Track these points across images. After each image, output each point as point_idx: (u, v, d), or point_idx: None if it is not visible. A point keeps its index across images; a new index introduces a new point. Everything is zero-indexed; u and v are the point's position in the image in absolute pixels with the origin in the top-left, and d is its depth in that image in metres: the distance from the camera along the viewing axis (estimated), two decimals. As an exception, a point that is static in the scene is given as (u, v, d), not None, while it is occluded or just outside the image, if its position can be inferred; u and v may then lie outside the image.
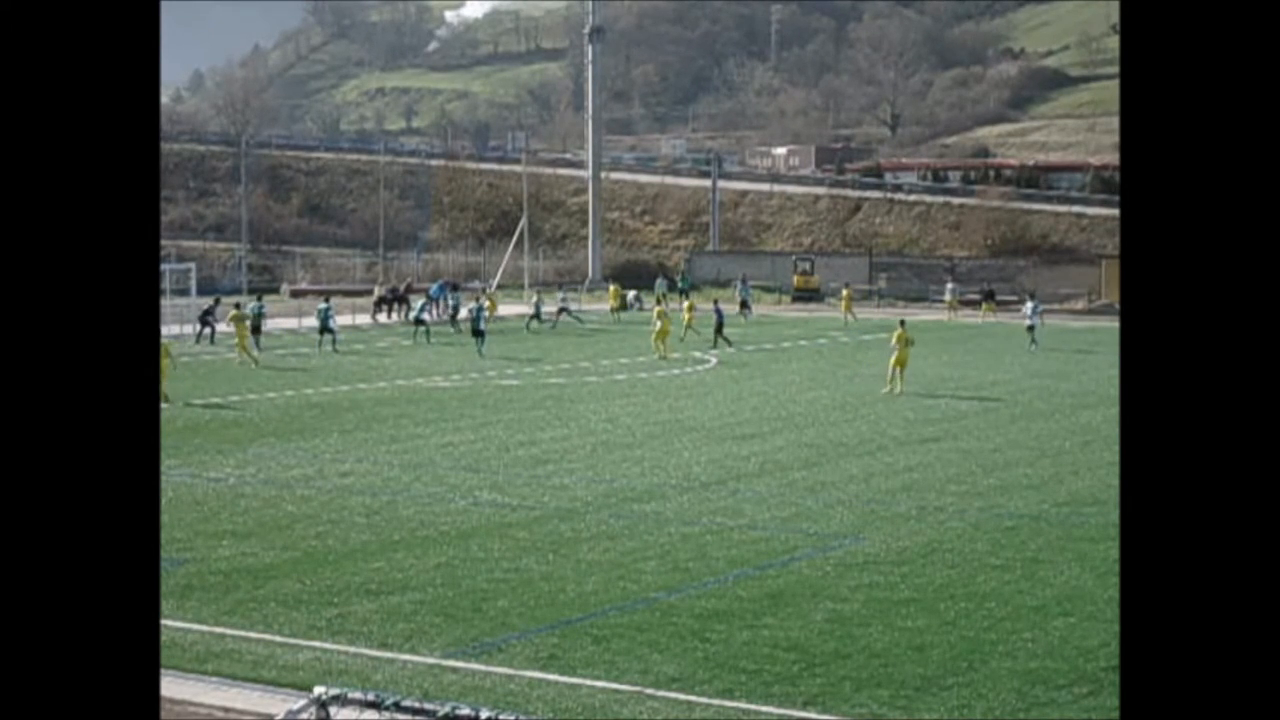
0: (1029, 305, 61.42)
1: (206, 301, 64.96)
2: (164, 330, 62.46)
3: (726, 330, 60.14)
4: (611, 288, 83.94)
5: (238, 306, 57.31)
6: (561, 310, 73.17)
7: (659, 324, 55.77)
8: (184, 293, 68.63)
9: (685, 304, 65.93)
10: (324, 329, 58.84)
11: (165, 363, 41.89)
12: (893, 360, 43.22)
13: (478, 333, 57.18)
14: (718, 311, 60.60)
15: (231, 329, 54.83)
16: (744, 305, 79.38)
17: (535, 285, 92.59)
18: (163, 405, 38.91)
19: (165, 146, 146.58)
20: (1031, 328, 59.28)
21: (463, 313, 67.98)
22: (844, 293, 78.75)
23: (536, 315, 70.06)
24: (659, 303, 65.76)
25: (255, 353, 53.62)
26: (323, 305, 60.55)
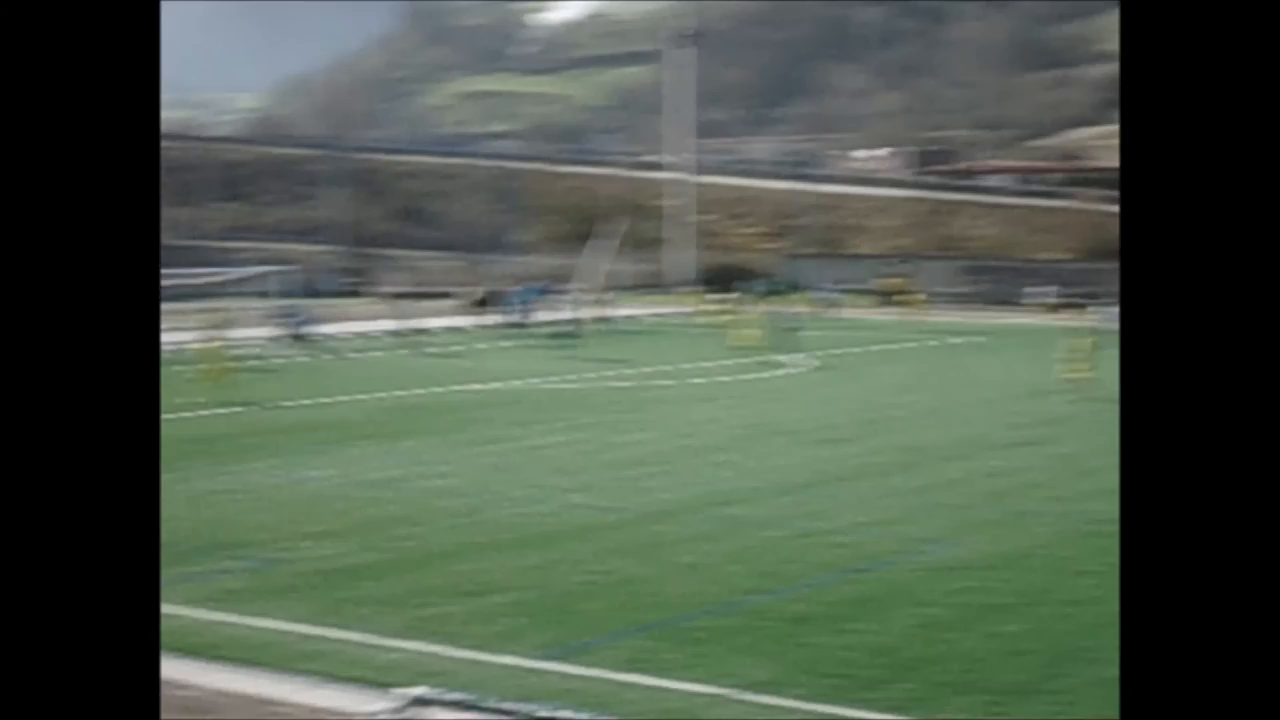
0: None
1: (298, 303, 65.63)
2: (259, 332, 63.37)
3: (803, 333, 60.04)
4: (695, 291, 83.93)
5: (214, 311, 57.96)
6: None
7: (745, 327, 55.82)
8: (283, 295, 69.34)
9: (758, 308, 65.83)
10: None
11: (220, 363, 42.33)
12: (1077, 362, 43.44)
13: (565, 335, 57.40)
14: (790, 315, 60.58)
15: (321, 331, 55.26)
16: (828, 307, 79.27)
17: (616, 289, 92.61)
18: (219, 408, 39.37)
19: (261, 150, 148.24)
20: None
21: (550, 315, 68.34)
22: (913, 296, 78.87)
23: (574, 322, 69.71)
24: (743, 305, 65.90)
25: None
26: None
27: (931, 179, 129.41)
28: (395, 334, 66.73)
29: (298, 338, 61.45)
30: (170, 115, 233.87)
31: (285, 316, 62.82)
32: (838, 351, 59.59)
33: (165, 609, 18.64)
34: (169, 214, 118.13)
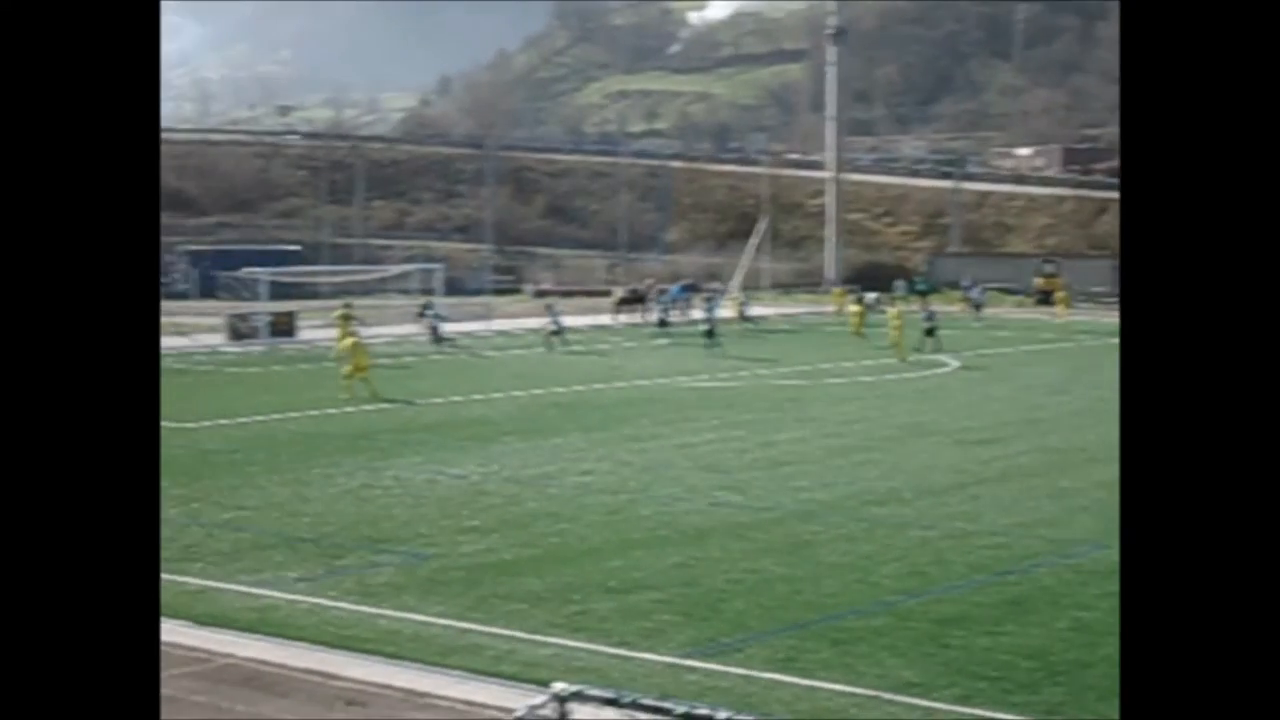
0: None
1: (444, 300, 66.15)
2: (405, 329, 64.00)
3: (951, 333, 59.50)
4: (836, 290, 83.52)
5: (348, 306, 58.37)
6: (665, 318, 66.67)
7: (891, 326, 55.45)
8: (430, 292, 69.99)
9: (904, 307, 64.98)
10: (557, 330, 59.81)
11: (364, 360, 42.69)
12: None
13: (710, 334, 57.47)
14: (929, 314, 60.02)
15: (467, 329, 55.64)
16: (977, 308, 78.53)
17: (765, 287, 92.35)
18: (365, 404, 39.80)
19: (412, 149, 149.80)
20: None
21: (695, 313, 68.34)
22: (1059, 295, 77.97)
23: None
24: (890, 304, 65.49)
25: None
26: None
27: (1082, 177, 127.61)
28: (541, 332, 67.06)
29: (437, 336, 61.72)
30: (322, 114, 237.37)
31: (428, 315, 63.18)
32: (985, 351, 59.01)
33: (317, 602, 18.95)
34: (321, 212, 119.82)
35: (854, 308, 66.63)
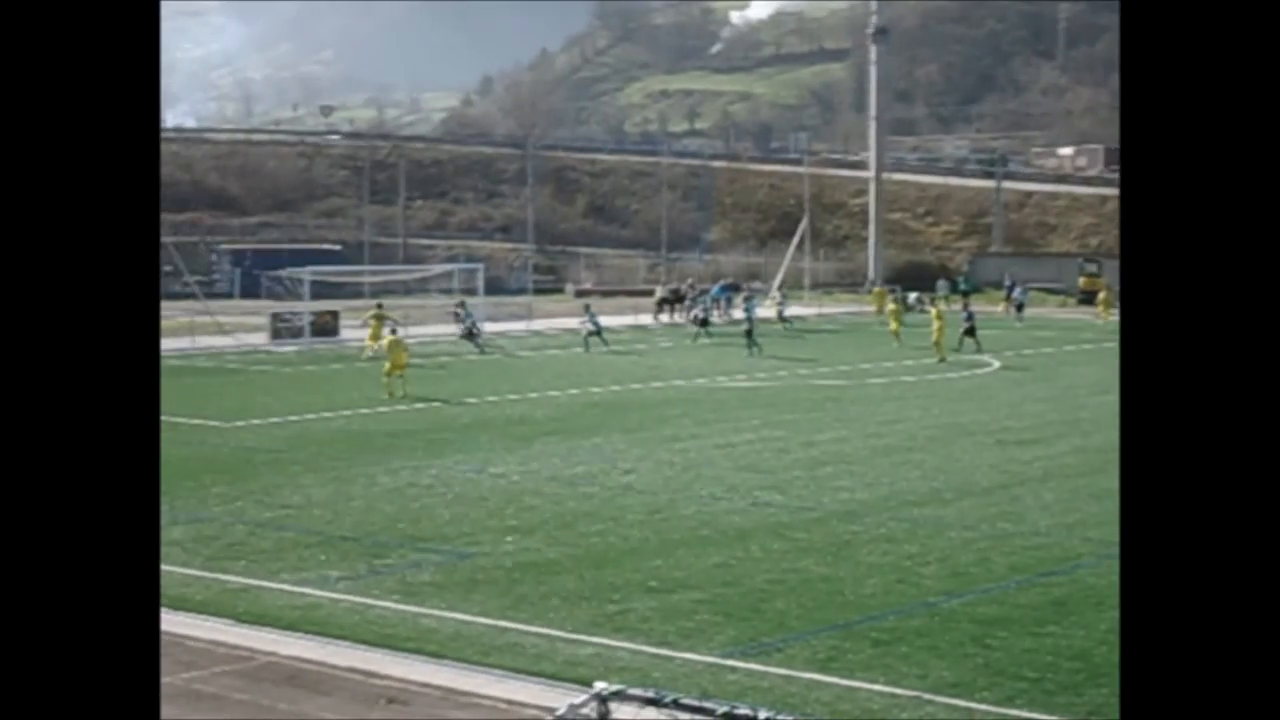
0: None
1: (485, 300, 66.21)
2: (446, 329, 64.13)
3: (992, 332, 59.31)
4: (876, 290, 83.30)
5: (379, 306, 58.52)
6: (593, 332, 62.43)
7: (937, 326, 55.29)
8: (472, 292, 70.15)
9: (946, 306, 64.56)
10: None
11: (402, 358, 42.79)
12: None
13: (751, 333, 57.48)
14: (969, 315, 59.81)
15: (504, 328, 55.72)
16: (1019, 308, 78.28)
17: (789, 288, 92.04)
18: (400, 405, 39.90)
19: (454, 149, 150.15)
20: None
21: (736, 313, 68.31)
22: (1101, 295, 77.73)
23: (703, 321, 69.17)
24: (932, 304, 65.29)
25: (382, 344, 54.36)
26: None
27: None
28: (580, 332, 67.11)
29: (470, 335, 61.51)
30: (364, 114, 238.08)
31: (462, 315, 63.03)
32: (1027, 352, 58.83)
33: (359, 600, 19.00)
34: (363, 212, 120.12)
35: (891, 307, 66.37)
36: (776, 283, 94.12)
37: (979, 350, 56.65)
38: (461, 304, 64.73)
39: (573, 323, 69.48)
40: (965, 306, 63.13)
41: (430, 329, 63.67)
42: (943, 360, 53.36)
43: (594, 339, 59.83)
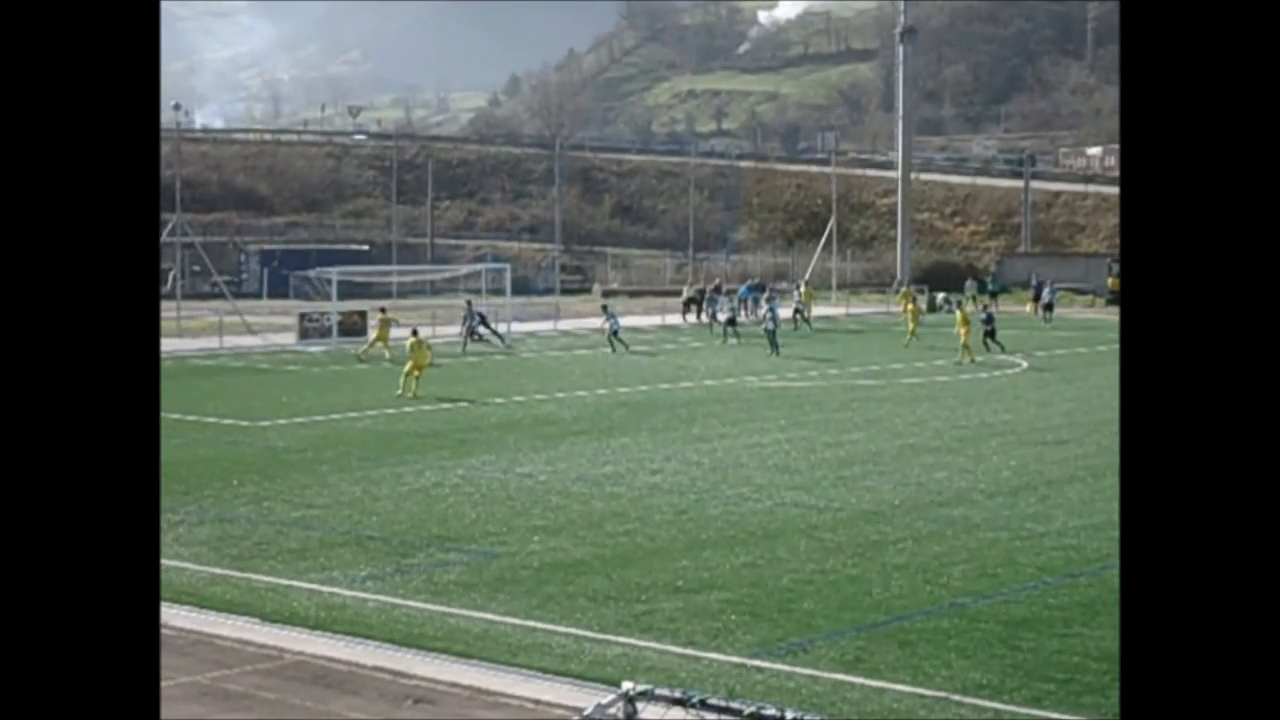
0: None
1: (513, 300, 66.20)
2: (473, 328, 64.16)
3: (1019, 333, 59.13)
4: (903, 290, 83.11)
5: (383, 311, 58.62)
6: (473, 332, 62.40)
7: (960, 326, 55.16)
8: (499, 292, 70.24)
9: (973, 306, 64.10)
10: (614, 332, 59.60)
11: (424, 359, 42.81)
12: None
13: (778, 333, 57.44)
14: (989, 316, 59.59)
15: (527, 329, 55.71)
16: (1047, 309, 78.06)
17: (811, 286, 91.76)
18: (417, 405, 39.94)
19: (481, 149, 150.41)
20: None
21: (763, 312, 68.26)
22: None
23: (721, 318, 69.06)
24: (960, 304, 65.09)
25: (387, 352, 54.40)
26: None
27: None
28: (605, 332, 67.18)
29: (472, 334, 61.10)
30: (392, 115, 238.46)
31: (468, 315, 62.60)
32: (1058, 352, 58.68)
33: (386, 600, 19.03)
34: (391, 212, 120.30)
35: (909, 307, 65.98)
36: (803, 282, 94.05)
37: (1002, 351, 56.48)
38: (468, 303, 64.63)
39: (599, 323, 69.61)
40: (984, 308, 62.76)
41: (457, 328, 63.67)
42: (972, 362, 53.13)
43: (615, 339, 59.65)
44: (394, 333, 54.78)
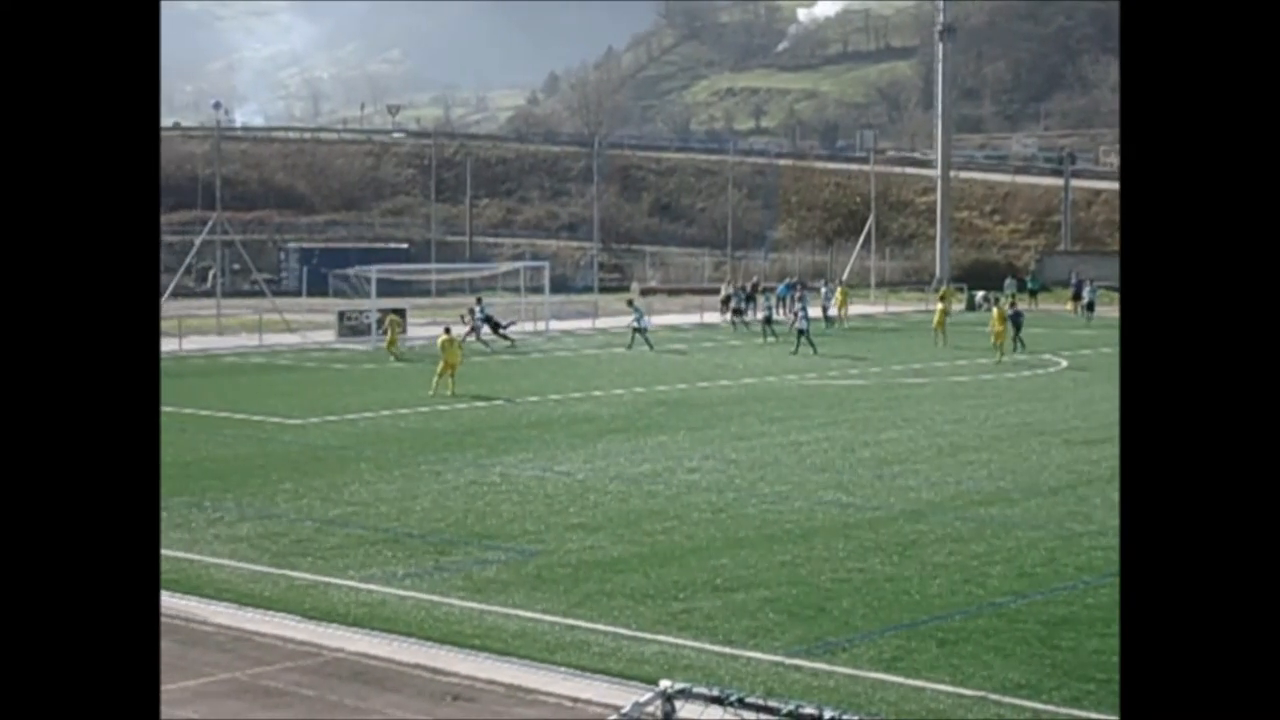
0: None
1: (552, 299, 66.20)
2: (515, 327, 64.27)
3: (1059, 332, 58.85)
4: (942, 289, 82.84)
5: (395, 312, 58.76)
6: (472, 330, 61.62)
7: (998, 325, 54.92)
8: (538, 290, 70.33)
9: (996, 309, 63.51)
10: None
11: (455, 357, 42.83)
12: None
13: (816, 332, 57.35)
14: (1016, 314, 59.25)
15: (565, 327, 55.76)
16: (1088, 308, 77.72)
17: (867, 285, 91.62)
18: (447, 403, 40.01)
19: (520, 147, 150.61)
20: None
21: (814, 310, 68.25)
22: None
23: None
24: (998, 303, 64.80)
25: (393, 354, 54.72)
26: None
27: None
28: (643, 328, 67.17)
29: (474, 333, 60.74)
30: (431, 113, 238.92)
31: (475, 313, 62.25)
32: (1105, 350, 58.44)
33: (425, 597, 19.08)
34: (430, 210, 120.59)
35: (939, 305, 65.53)
36: (841, 280, 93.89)
37: (1023, 349, 55.99)
38: (478, 300, 64.48)
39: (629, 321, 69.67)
40: (1013, 305, 62.28)
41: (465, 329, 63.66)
42: (998, 362, 52.80)
43: (637, 335, 59.28)
44: (426, 331, 54.88)
